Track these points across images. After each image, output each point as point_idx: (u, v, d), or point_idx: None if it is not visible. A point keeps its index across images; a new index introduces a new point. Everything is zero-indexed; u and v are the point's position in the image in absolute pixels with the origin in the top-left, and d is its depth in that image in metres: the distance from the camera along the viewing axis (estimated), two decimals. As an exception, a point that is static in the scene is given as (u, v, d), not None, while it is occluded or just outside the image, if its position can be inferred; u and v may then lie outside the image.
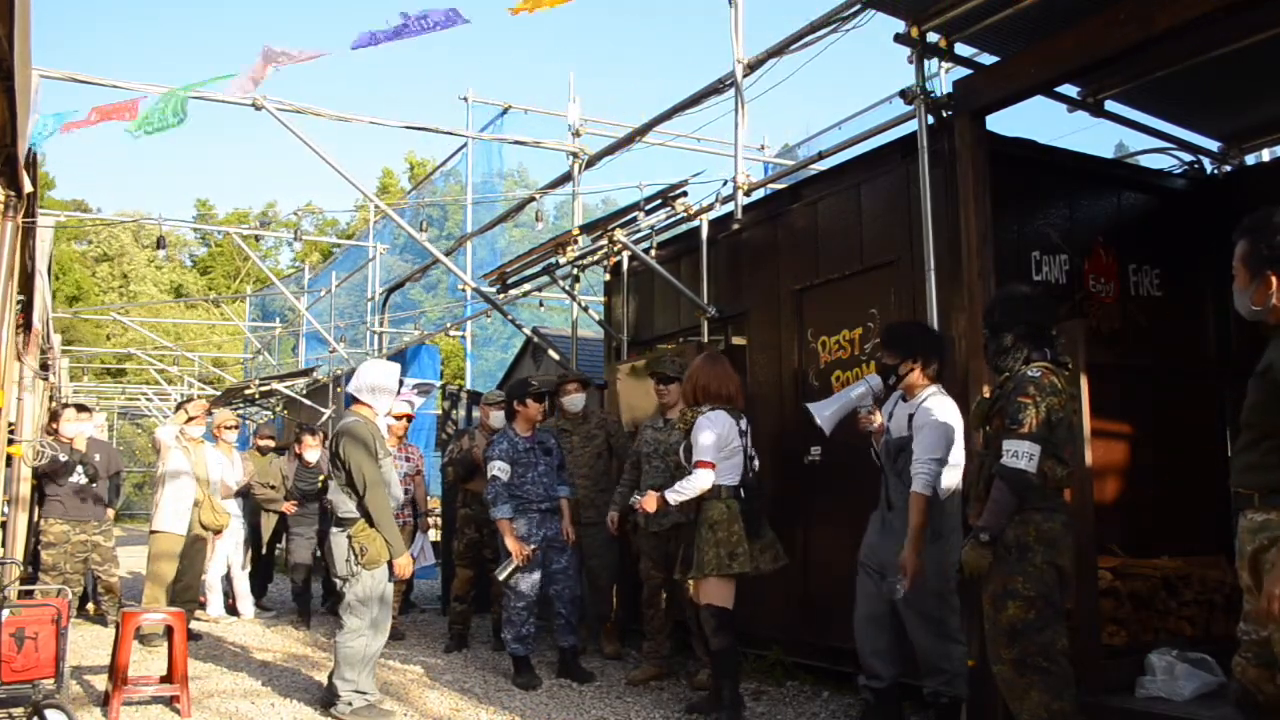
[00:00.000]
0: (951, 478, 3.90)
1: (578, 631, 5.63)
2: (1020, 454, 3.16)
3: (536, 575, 5.53)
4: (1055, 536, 3.23)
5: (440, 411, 10.56)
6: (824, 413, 4.41)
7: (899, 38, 4.67)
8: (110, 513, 7.75)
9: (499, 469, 5.49)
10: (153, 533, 6.88)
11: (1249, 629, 2.55)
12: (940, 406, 3.91)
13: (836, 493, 5.20)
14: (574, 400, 6.12)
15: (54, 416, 7.56)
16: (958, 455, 3.93)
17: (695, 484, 4.38)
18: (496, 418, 6.55)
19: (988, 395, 3.57)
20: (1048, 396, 3.22)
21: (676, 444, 5.04)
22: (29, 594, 5.44)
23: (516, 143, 9.93)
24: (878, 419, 4.21)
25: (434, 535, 10.80)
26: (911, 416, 3.96)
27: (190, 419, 7.10)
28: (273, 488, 8.61)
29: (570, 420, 6.15)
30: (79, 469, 7.17)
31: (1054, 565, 3.22)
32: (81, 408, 7.74)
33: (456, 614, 6.76)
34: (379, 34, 6.18)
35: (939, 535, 3.91)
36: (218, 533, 7.33)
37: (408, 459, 7.26)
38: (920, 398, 3.98)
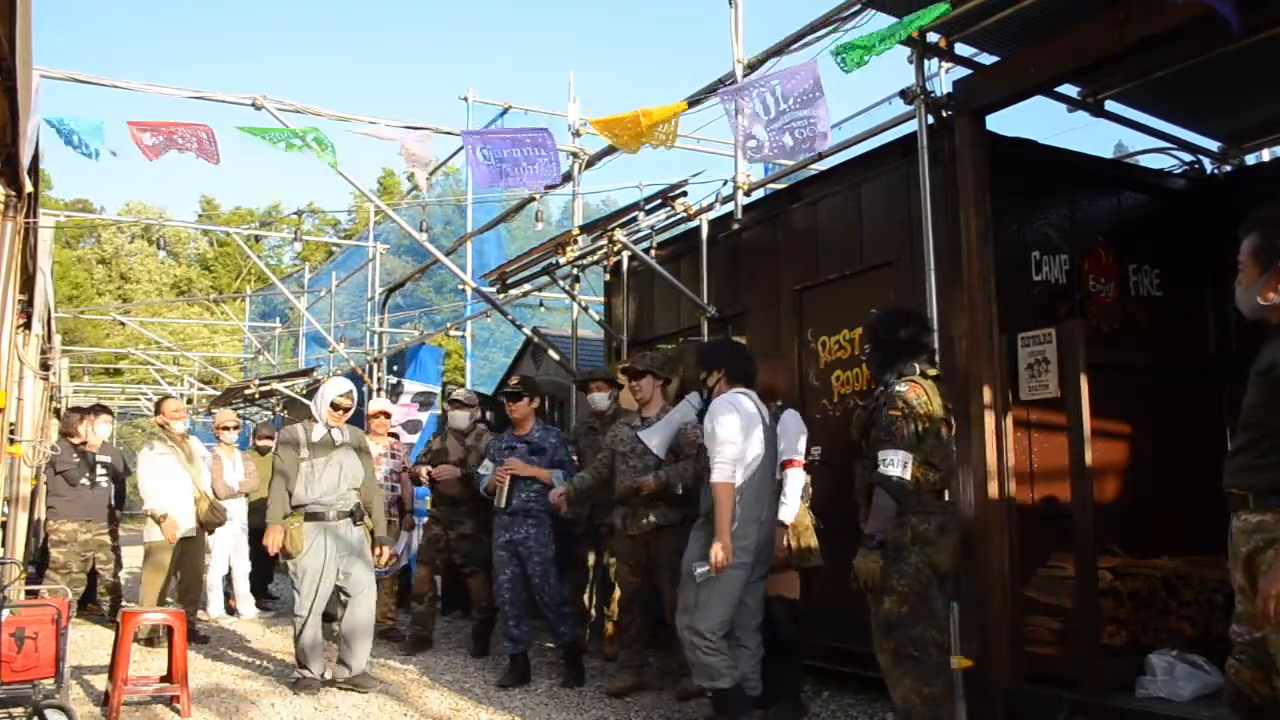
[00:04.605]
0: (728, 479, 4.06)
1: (567, 631, 5.56)
2: (895, 462, 3.43)
3: (503, 576, 5.58)
4: (931, 538, 3.51)
5: (441, 411, 10.56)
6: (653, 440, 4.78)
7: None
8: (118, 514, 7.74)
9: (482, 467, 5.86)
10: (150, 540, 6.86)
11: (1242, 630, 2.55)
12: (723, 414, 4.13)
13: (836, 493, 5.20)
14: (597, 399, 6.06)
15: (75, 419, 7.52)
16: (750, 451, 4.10)
17: (798, 487, 4.41)
18: (456, 418, 6.65)
19: (863, 407, 3.82)
20: (914, 408, 3.49)
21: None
22: (34, 593, 5.45)
23: (517, 143, 9.89)
24: (700, 435, 4.49)
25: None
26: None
27: (174, 412, 7.10)
28: None
29: (598, 418, 6.11)
30: (87, 472, 7.16)
31: (929, 565, 3.50)
32: (101, 409, 7.75)
33: (417, 614, 6.65)
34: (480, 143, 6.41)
35: (707, 520, 4.14)
36: (210, 531, 7.31)
37: (393, 455, 7.24)
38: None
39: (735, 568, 4.02)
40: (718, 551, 3.96)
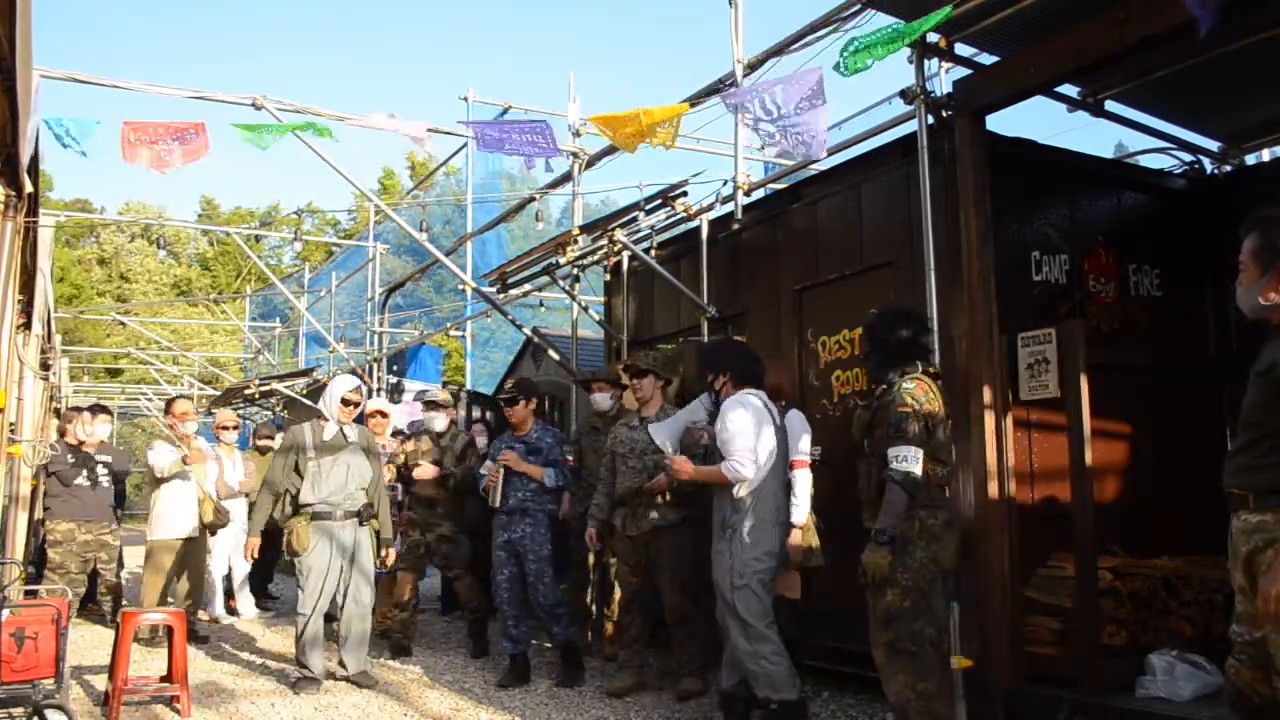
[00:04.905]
0: (746, 473, 4.12)
1: (560, 632, 5.54)
2: (908, 458, 3.46)
3: (501, 576, 5.60)
4: (937, 533, 3.54)
5: (450, 415, 10.54)
6: (661, 437, 4.80)
7: (899, 38, 4.66)
8: (119, 514, 7.72)
9: (484, 467, 5.90)
10: (150, 540, 6.85)
11: (1242, 630, 2.55)
12: (733, 411, 4.19)
13: (837, 493, 5.20)
14: (599, 399, 6.06)
15: (66, 419, 7.52)
16: (764, 451, 4.17)
17: (807, 488, 4.41)
18: (431, 420, 6.60)
19: (865, 406, 3.85)
20: (923, 405, 3.53)
21: (651, 443, 5.06)
22: (34, 593, 5.44)
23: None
24: (706, 436, 4.59)
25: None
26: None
27: (183, 414, 7.08)
28: None
29: (600, 418, 6.11)
30: (84, 472, 7.16)
31: (934, 560, 3.52)
32: (99, 408, 7.73)
33: (399, 622, 6.50)
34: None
35: (724, 528, 4.18)
36: (214, 532, 7.31)
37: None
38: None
39: (762, 572, 4.11)
40: (686, 464, 4.27)
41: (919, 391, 3.55)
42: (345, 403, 5.54)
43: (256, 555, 5.60)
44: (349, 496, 5.44)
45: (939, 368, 3.93)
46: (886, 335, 3.73)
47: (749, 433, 4.11)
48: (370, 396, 10.52)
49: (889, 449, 3.49)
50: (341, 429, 5.54)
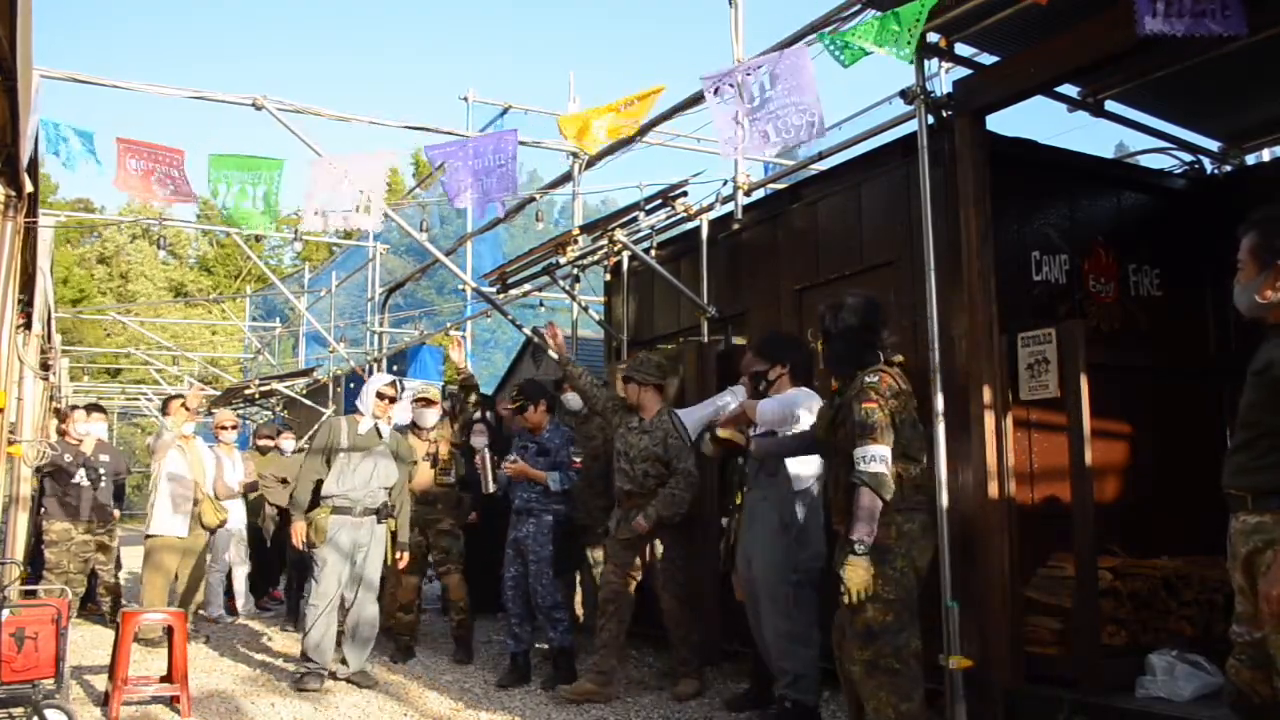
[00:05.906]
0: (805, 471, 4.18)
1: (556, 638, 5.48)
2: (876, 458, 3.24)
3: (508, 575, 5.62)
4: (915, 537, 3.35)
5: (440, 411, 10.54)
6: (689, 419, 4.83)
7: (899, 38, 4.65)
8: (116, 514, 7.72)
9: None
10: (148, 536, 6.85)
11: (1242, 631, 2.55)
12: (800, 392, 4.24)
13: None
14: (570, 399, 6.09)
15: (61, 417, 7.53)
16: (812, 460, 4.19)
17: None
18: (422, 415, 6.51)
19: (828, 402, 3.73)
20: (889, 400, 3.33)
21: (647, 449, 5.05)
22: (32, 593, 5.44)
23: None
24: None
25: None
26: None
27: (185, 408, 7.08)
28: (285, 482, 8.48)
29: (573, 418, 6.11)
30: (80, 471, 7.15)
31: (913, 568, 3.34)
32: (94, 408, 7.73)
33: (403, 624, 6.36)
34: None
35: (787, 526, 4.17)
36: (213, 532, 7.31)
37: None
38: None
39: (814, 572, 4.15)
40: (754, 407, 4.19)
41: (884, 385, 3.36)
42: (380, 396, 5.61)
43: (305, 538, 5.42)
44: (370, 494, 5.48)
45: (906, 358, 3.72)
46: (841, 327, 3.54)
47: (805, 419, 4.11)
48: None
49: (856, 449, 3.28)
50: (376, 426, 5.62)
